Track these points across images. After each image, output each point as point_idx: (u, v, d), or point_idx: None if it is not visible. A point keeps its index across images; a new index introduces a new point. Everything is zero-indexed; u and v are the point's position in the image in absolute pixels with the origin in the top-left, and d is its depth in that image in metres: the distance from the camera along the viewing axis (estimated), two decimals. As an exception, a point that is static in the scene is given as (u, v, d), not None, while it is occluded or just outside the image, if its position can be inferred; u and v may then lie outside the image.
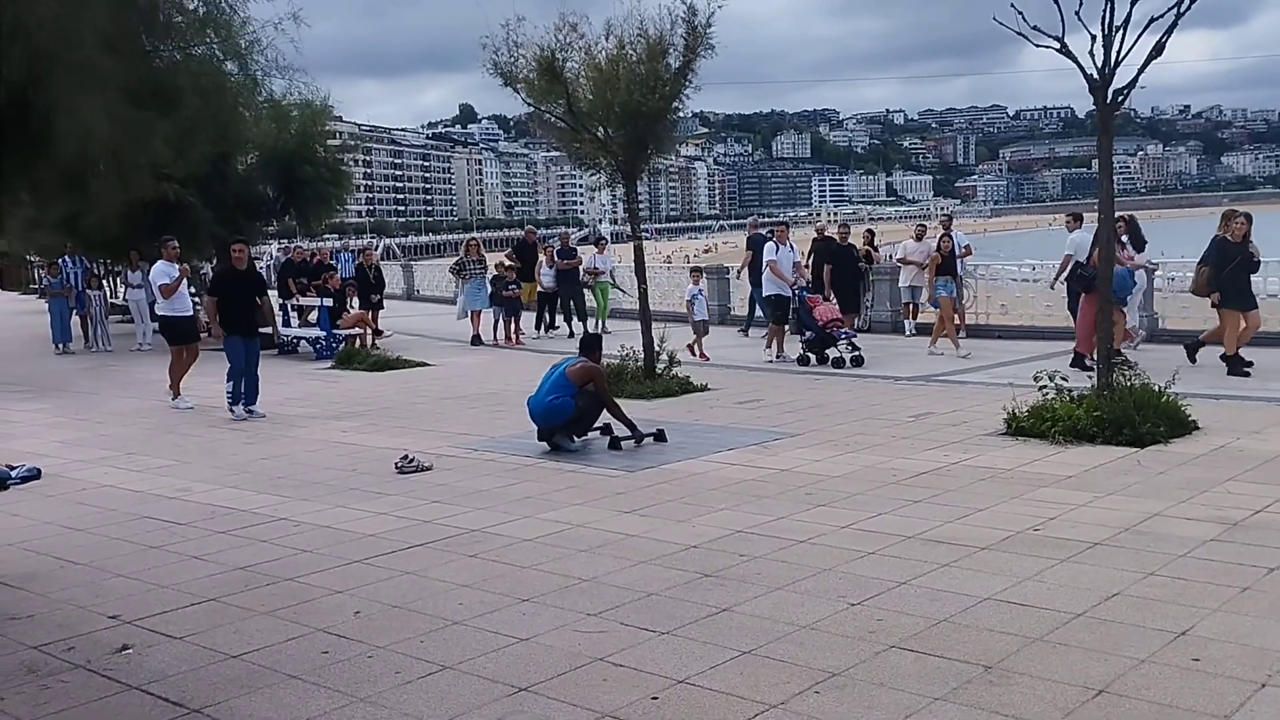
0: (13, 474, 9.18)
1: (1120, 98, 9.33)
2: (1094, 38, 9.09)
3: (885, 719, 4.08)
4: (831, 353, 14.97)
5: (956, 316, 16.49)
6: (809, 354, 15.18)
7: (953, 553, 6.17)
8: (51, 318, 21.91)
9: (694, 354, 16.03)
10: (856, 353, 14.80)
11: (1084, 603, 5.26)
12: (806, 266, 20.96)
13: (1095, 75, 9.19)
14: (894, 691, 4.33)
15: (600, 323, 20.88)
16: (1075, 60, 9.17)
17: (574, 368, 10.00)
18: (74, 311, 22.25)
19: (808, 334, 15.26)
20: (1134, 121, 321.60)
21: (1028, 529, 6.60)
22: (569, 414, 9.77)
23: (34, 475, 9.29)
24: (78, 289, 22.26)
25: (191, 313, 14.46)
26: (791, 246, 16.39)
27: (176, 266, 14.09)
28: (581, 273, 21.51)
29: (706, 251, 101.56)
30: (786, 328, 16.00)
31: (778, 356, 15.72)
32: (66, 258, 22.67)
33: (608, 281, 22.01)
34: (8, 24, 3.67)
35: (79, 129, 4.31)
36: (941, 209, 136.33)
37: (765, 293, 16.48)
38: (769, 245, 16.29)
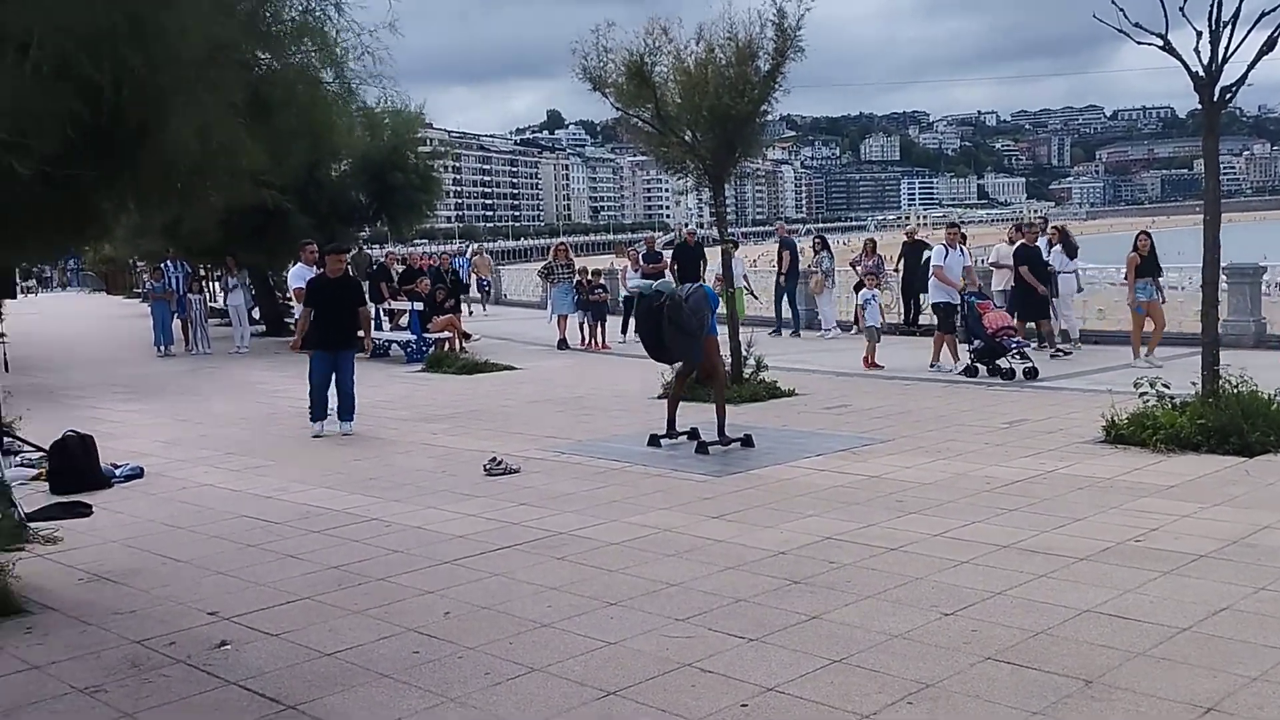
0: (117, 472, 9.47)
1: (1228, 96, 9.03)
2: (1199, 34, 8.80)
3: (981, 733, 3.98)
4: (1002, 363, 13.76)
5: (1151, 322, 14.75)
6: (977, 364, 14.04)
7: (1050, 563, 6.01)
8: (154, 321, 22.59)
9: (866, 365, 15.24)
10: (1029, 363, 13.67)
11: (1190, 617, 5.08)
12: (896, 270, 20.87)
13: (1201, 73, 8.91)
14: (989, 704, 4.22)
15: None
16: (1179, 58, 8.90)
17: (709, 339, 10.08)
18: (175, 315, 22.90)
19: (976, 343, 14.13)
20: (1240, 120, 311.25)
21: (1129, 540, 6.40)
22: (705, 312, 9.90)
23: (137, 474, 9.57)
24: (179, 293, 22.92)
25: None
26: (962, 250, 15.55)
27: (314, 270, 13.54)
28: (713, 279, 20.71)
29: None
30: (953, 336, 14.99)
31: (931, 365, 14.85)
32: (169, 263, 23.37)
33: (741, 287, 20.03)
34: (119, 40, 3.79)
35: (184, 139, 4.42)
36: (1035, 211, 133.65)
37: (932, 299, 15.65)
38: (937, 249, 15.54)
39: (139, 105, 4.02)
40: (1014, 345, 13.74)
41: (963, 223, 18.28)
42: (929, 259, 15.91)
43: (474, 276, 32.67)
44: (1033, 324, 15.96)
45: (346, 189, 23.64)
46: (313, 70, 5.66)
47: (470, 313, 28.81)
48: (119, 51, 3.86)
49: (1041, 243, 16.79)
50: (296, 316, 13.37)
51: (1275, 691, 4.23)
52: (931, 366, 14.80)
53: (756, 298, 21.93)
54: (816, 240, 22.67)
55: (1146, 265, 14.49)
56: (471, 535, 7.15)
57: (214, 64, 4.22)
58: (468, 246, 45.70)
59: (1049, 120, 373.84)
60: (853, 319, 21.19)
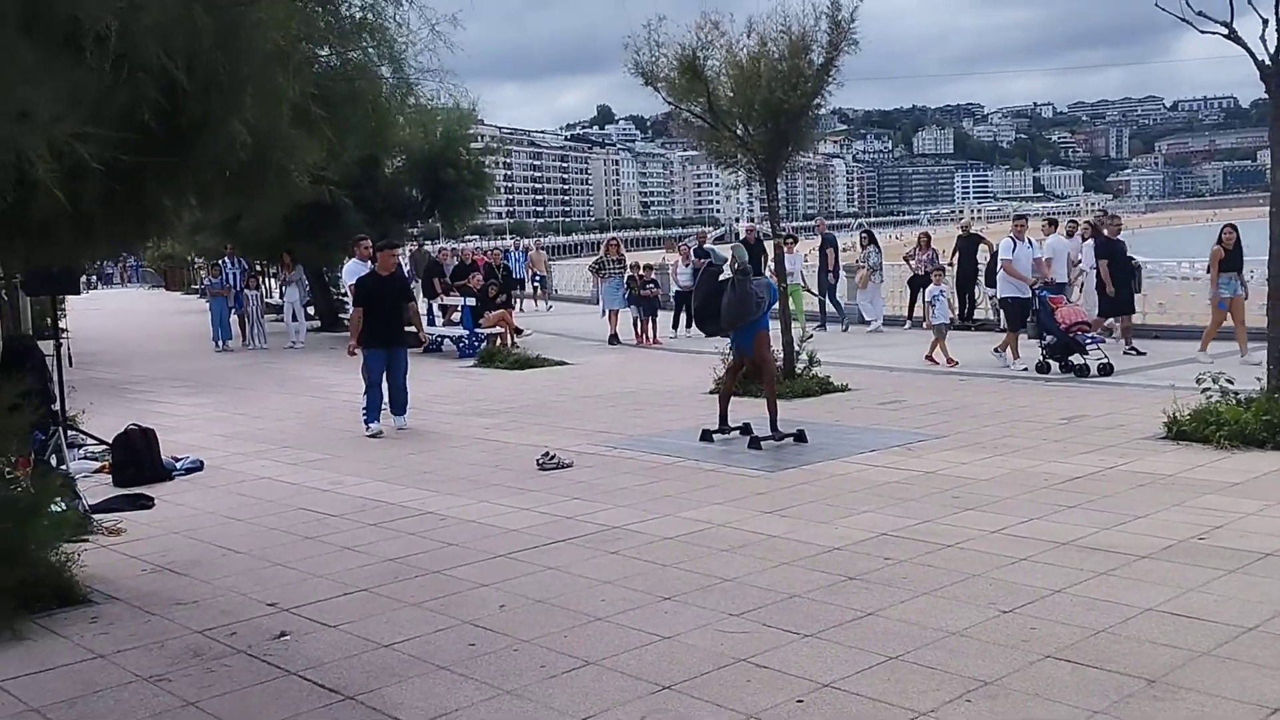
0: (178, 465, 9.63)
1: (1294, 84, 8.83)
2: (1265, 21, 8.62)
3: (1042, 731, 3.93)
4: (1075, 359, 13.30)
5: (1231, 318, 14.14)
6: (1049, 360, 13.58)
7: (1110, 561, 5.93)
8: (212, 316, 22.92)
9: (935, 361, 14.92)
10: (1103, 359, 13.26)
11: (1256, 616, 4.98)
12: (951, 264, 20.54)
13: (1267, 61, 8.71)
14: (1050, 703, 4.17)
15: (800, 329, 19.29)
16: (1244, 45, 8.72)
17: (760, 334, 10.10)
18: (232, 311, 23.23)
19: (1048, 339, 13.62)
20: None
21: (1192, 538, 6.29)
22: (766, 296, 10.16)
23: (197, 467, 9.73)
24: (236, 289, 23.25)
25: None
26: (1031, 242, 15.01)
27: (369, 265, 13.40)
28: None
29: (845, 250, 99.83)
30: (1023, 333, 14.35)
31: (999, 354, 14.55)
32: (226, 259, 23.69)
33: (798, 284, 19.87)
34: (196, 32, 3.84)
35: (250, 134, 4.49)
36: (1092, 205, 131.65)
37: (1000, 294, 15.06)
38: (1005, 242, 14.93)
39: (208, 99, 4.07)
40: (1088, 341, 13.35)
41: (1025, 216, 17.65)
42: (996, 252, 15.30)
43: (529, 272, 32.53)
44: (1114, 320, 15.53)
45: (400, 185, 23.83)
46: (372, 66, 5.73)
47: (521, 309, 28.84)
48: (196, 43, 3.92)
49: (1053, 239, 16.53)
50: (350, 313, 13.33)
51: (1346, 693, 4.14)
52: (1005, 362, 14.37)
53: (812, 293, 21.72)
54: (864, 235, 22.29)
55: (1231, 259, 13.96)
56: (525, 529, 7.19)
57: (285, 58, 4.28)
58: (519, 241, 45.35)
59: (1106, 112, 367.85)
60: (905, 313, 21.02)
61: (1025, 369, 13.89)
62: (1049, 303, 13.64)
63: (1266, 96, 9.00)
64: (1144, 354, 15.01)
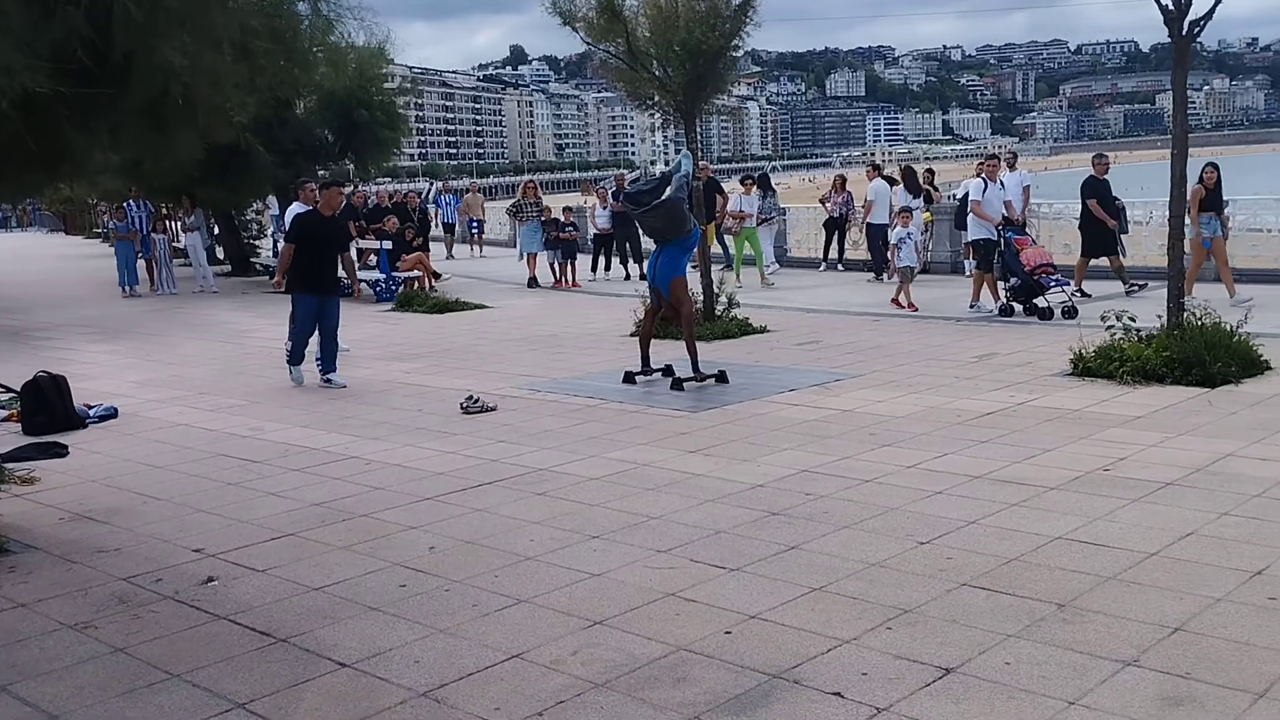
0: (91, 413, 9.43)
1: (1196, 30, 9.08)
2: (1170, -33, 8.83)
3: (959, 654, 4.11)
4: (1039, 302, 13.13)
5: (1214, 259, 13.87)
6: (1013, 303, 13.36)
7: (1021, 492, 6.16)
8: (118, 261, 22.29)
9: (900, 305, 14.57)
10: (1068, 302, 13.06)
11: (1157, 542, 5.23)
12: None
13: (1170, 5, 8.94)
14: (967, 628, 4.36)
15: (760, 274, 18.70)
16: (1150, -10, 8.92)
17: (677, 280, 10.11)
18: (140, 255, 22.62)
19: (1013, 280, 13.38)
20: (1200, 55, 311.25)
21: (1097, 469, 6.56)
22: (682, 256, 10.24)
23: (111, 414, 9.53)
24: (143, 233, 22.61)
25: None
26: (1002, 184, 14.46)
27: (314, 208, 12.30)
28: (727, 217, 19.28)
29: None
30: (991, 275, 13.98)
31: (971, 305, 14.13)
32: (131, 202, 23.00)
33: (753, 227, 19.15)
34: None
35: (159, 70, 4.37)
36: (1000, 147, 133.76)
37: (970, 236, 14.82)
38: (974, 182, 14.59)
39: (127, 35, 3.95)
40: (1052, 284, 13.15)
41: (930, 158, 18.06)
42: (968, 193, 14.76)
43: (463, 216, 30.36)
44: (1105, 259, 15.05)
45: (312, 126, 23.30)
46: (288, 3, 5.58)
47: (452, 255, 27.85)
48: None
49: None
50: (275, 255, 12.77)
51: (1237, 611, 4.39)
52: (971, 307, 14.09)
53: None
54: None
55: (1211, 199, 13.64)
56: (452, 472, 7.21)
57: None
58: (431, 185, 43.23)
59: (1014, 55, 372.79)
60: (821, 255, 21.07)
61: (992, 311, 13.67)
62: (1014, 244, 13.39)
63: (1169, 40, 9.25)
64: (1144, 286, 14.73)
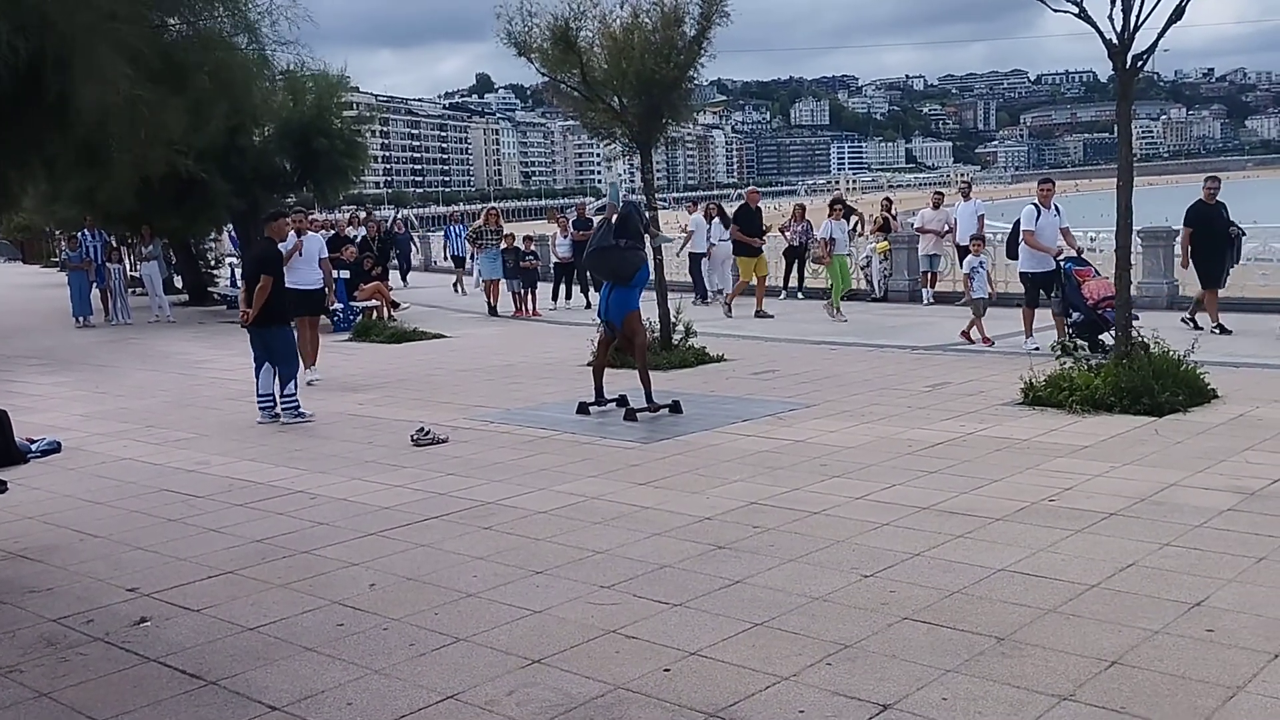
0: (33, 447, 9.26)
1: (1140, 63, 9.22)
2: (1113, 1, 8.96)
3: (897, 690, 4.08)
4: (1105, 339, 11.18)
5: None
6: (1077, 340, 10.97)
7: (967, 524, 6.16)
8: (71, 291, 22.00)
9: (970, 339, 13.56)
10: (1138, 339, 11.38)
11: (1098, 574, 5.24)
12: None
13: (1114, 40, 9.07)
14: (906, 663, 4.33)
15: (835, 306, 17.06)
16: (1094, 25, 9.06)
17: (631, 314, 10.13)
18: (94, 285, 22.36)
19: (1074, 315, 11.98)
20: (1157, 85, 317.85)
21: (1043, 500, 6.58)
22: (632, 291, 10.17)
23: (54, 448, 9.36)
24: (97, 262, 22.37)
25: (319, 285, 12.92)
26: (1057, 209, 12.92)
27: (291, 240, 12.03)
28: (811, 246, 18.55)
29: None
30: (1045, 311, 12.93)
31: (1026, 340, 12.88)
32: (86, 231, 22.77)
33: (844, 254, 17.74)
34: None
35: (92, 103, 4.31)
36: (961, 175, 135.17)
37: (1021, 268, 13.20)
38: (1027, 210, 12.94)
39: (41, 67, 3.89)
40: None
41: (893, 186, 18.01)
42: (1018, 222, 13.16)
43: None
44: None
45: (270, 155, 23.16)
46: (226, 35, 5.54)
47: (462, 290, 26.70)
48: (17, 11, 3.73)
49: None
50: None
51: (1175, 644, 4.40)
52: (1028, 347, 12.71)
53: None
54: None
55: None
56: (398, 506, 7.12)
57: (113, 26, 4.09)
58: (396, 214, 42.40)
59: (975, 85, 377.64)
60: (781, 284, 21.10)
61: (1036, 348, 12.37)
62: (1074, 276, 12.13)
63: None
64: (1230, 331, 13.45)
